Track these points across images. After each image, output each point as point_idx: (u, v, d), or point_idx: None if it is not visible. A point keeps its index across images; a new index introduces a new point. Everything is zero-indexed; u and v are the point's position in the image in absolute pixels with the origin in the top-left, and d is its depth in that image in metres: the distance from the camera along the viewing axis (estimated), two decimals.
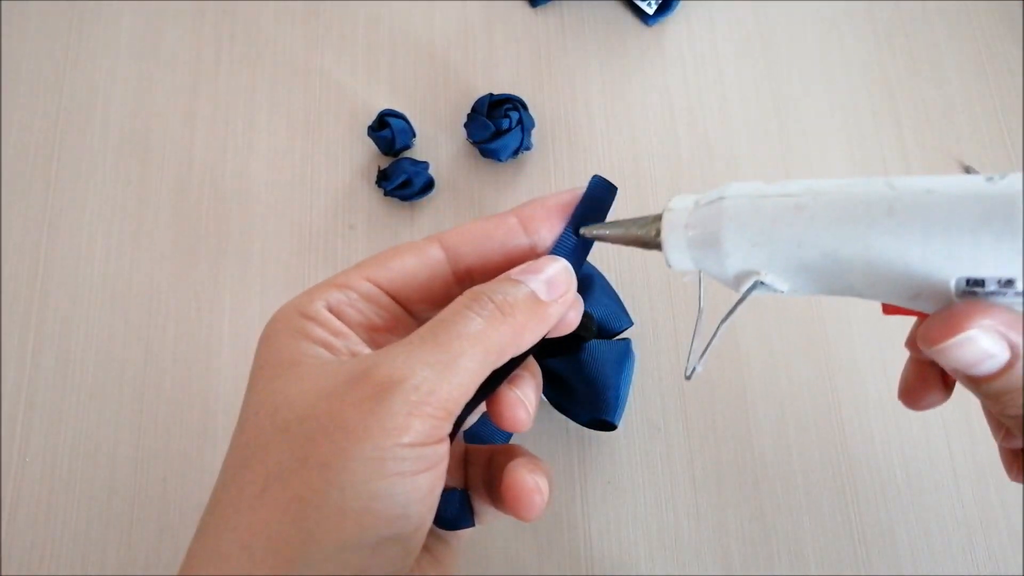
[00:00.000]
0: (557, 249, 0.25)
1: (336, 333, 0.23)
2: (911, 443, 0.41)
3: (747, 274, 0.21)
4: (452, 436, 0.22)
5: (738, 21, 0.49)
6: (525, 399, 0.25)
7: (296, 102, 0.47)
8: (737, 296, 0.21)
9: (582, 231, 0.25)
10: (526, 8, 0.49)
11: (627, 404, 0.40)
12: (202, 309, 0.43)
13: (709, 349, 0.23)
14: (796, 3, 0.50)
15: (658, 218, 0.23)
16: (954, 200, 0.18)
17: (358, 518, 0.19)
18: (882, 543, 0.39)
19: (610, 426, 0.38)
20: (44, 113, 0.47)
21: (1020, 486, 0.40)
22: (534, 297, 0.23)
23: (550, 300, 0.23)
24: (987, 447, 0.41)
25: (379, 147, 0.45)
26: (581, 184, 0.26)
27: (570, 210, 0.26)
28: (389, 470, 0.19)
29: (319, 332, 0.23)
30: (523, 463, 0.25)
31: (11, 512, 0.39)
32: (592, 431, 0.41)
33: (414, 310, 0.25)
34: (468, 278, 0.25)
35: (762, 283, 0.21)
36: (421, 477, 0.20)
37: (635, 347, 0.41)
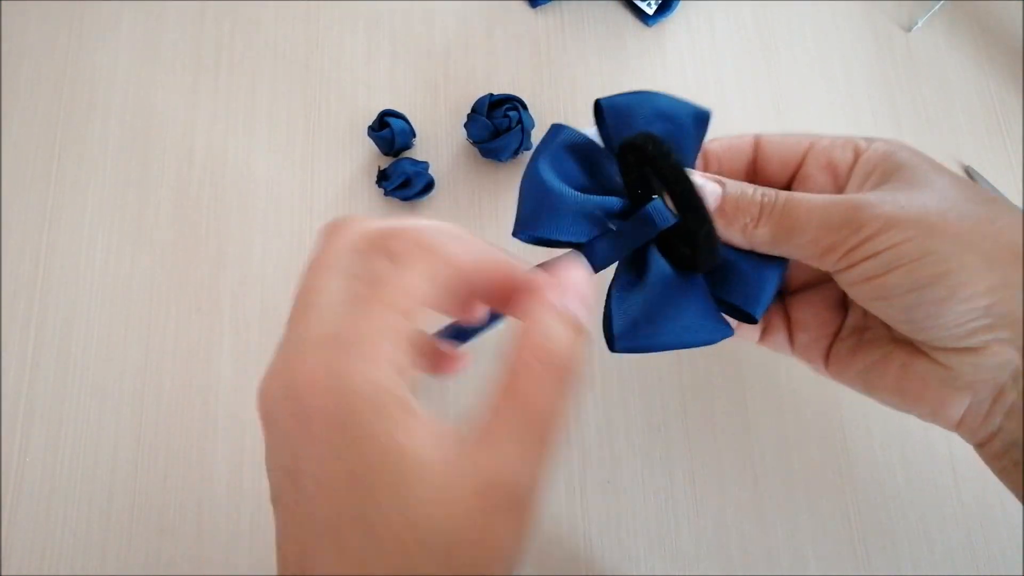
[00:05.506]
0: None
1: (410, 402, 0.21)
2: (911, 443, 0.41)
3: None
4: None
5: (738, 21, 0.50)
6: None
7: (296, 102, 0.47)
8: None
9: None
10: (526, 8, 0.49)
11: (627, 404, 0.41)
12: (202, 309, 0.43)
13: None
14: (796, 3, 0.50)
15: None
16: None
17: None
18: (882, 543, 0.39)
19: (750, 318, 0.33)
20: (44, 113, 0.47)
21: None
22: (580, 330, 0.22)
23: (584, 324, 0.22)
24: None
25: (379, 147, 0.45)
26: None
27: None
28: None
29: (413, 422, 0.20)
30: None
31: (11, 512, 0.39)
32: (591, 431, 0.41)
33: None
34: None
35: None
36: None
37: None
